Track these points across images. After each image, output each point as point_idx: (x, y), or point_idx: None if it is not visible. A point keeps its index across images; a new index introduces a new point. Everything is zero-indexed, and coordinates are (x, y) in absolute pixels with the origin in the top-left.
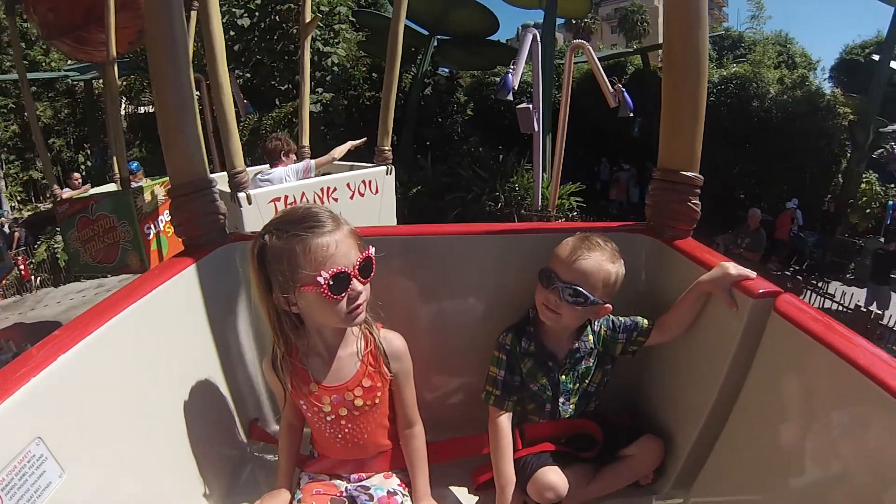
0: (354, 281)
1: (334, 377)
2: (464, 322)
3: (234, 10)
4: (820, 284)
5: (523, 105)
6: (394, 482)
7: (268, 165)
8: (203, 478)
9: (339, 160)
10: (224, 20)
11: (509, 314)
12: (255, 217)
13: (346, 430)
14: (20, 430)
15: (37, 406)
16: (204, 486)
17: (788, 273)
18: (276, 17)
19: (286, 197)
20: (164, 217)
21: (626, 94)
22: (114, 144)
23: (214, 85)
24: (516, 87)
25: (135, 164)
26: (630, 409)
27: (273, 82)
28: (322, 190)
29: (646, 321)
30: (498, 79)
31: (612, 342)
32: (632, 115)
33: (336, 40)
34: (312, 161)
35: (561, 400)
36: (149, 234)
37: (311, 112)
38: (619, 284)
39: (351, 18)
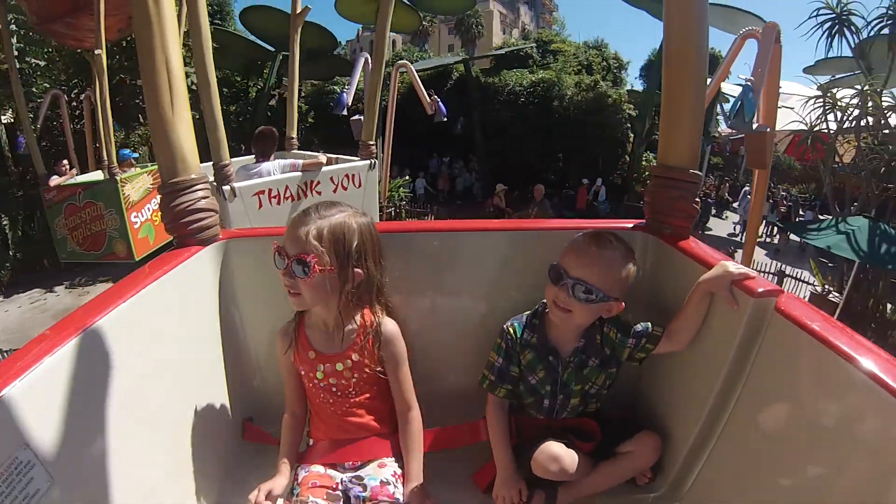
0: (286, 266)
1: (328, 348)
2: (468, 314)
3: None
4: None
5: (356, 117)
6: (387, 472)
7: (253, 158)
8: (196, 479)
9: (324, 155)
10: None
11: (512, 309)
12: (240, 209)
13: (338, 398)
14: (6, 436)
15: (23, 411)
16: (197, 487)
17: None
18: None
19: (270, 190)
20: (152, 205)
21: (440, 102)
22: (101, 133)
23: (202, 79)
24: (350, 104)
25: (126, 152)
26: (629, 406)
27: (137, 101)
28: (306, 183)
29: (656, 328)
30: (336, 87)
31: (620, 346)
32: (445, 119)
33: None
34: (301, 161)
35: (560, 398)
36: (136, 222)
37: None
38: (630, 281)
39: (213, 43)
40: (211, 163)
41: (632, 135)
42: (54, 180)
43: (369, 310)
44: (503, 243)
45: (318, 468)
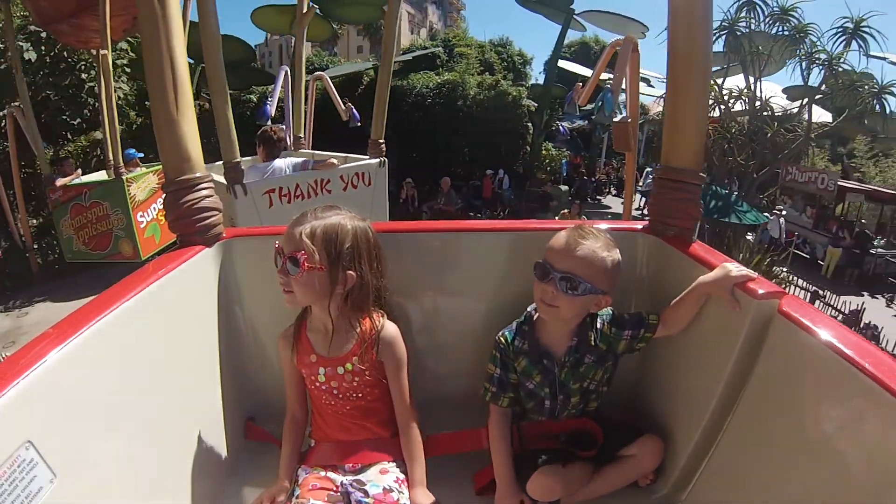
0: (282, 264)
1: (329, 351)
2: (470, 316)
3: (19, 43)
4: None
5: (277, 126)
6: (390, 478)
7: (258, 158)
8: (198, 478)
9: (332, 153)
10: (9, 53)
11: (514, 311)
12: (250, 208)
13: (339, 401)
14: (9, 434)
15: (26, 409)
16: (200, 486)
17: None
18: (64, 53)
19: (280, 189)
20: (158, 205)
21: (353, 110)
22: (107, 132)
23: (212, 78)
24: (273, 115)
25: (132, 151)
26: (631, 408)
27: (64, 117)
28: (316, 182)
29: (651, 316)
30: (252, 97)
31: (615, 339)
32: (359, 124)
33: (119, 75)
34: (312, 161)
35: (560, 398)
36: (142, 221)
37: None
38: (617, 273)
39: (132, 53)
40: (218, 162)
41: (531, 126)
42: (60, 180)
43: (370, 315)
44: (505, 243)
45: (319, 470)
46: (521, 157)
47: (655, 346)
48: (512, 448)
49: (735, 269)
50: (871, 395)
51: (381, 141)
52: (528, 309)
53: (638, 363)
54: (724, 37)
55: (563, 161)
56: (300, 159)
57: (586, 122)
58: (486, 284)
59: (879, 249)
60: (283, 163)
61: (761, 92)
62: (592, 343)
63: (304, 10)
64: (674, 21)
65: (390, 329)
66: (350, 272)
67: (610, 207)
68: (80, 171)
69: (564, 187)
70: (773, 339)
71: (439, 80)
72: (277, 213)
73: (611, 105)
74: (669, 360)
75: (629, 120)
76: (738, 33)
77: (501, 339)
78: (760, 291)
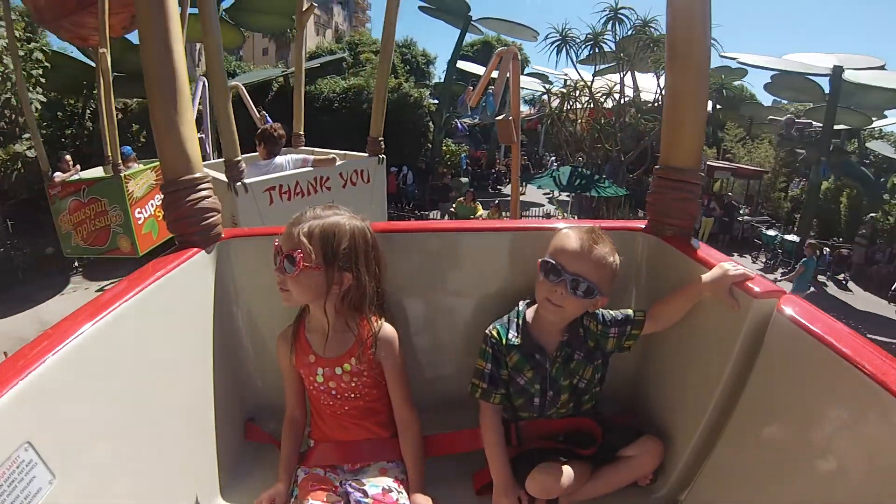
0: (279, 263)
1: (327, 352)
2: (469, 318)
3: None
4: (425, 214)
5: (199, 135)
6: (389, 478)
7: (258, 155)
8: (198, 479)
9: (333, 151)
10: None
11: (507, 310)
12: (251, 205)
13: (337, 401)
14: (8, 435)
15: (25, 410)
16: (200, 487)
17: (405, 213)
18: None
19: (280, 186)
20: (155, 201)
21: (268, 117)
22: (105, 130)
23: (213, 79)
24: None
25: (128, 149)
26: (630, 408)
27: None
28: (315, 179)
29: (637, 313)
30: None
31: (602, 337)
32: None
33: (33, 83)
34: (312, 157)
35: (550, 394)
36: (140, 218)
37: (25, 157)
38: (616, 276)
39: (46, 63)
40: (219, 160)
41: (432, 125)
42: (59, 176)
43: (368, 316)
44: (504, 243)
45: (318, 471)
46: (424, 154)
47: (654, 346)
48: (510, 447)
49: (732, 268)
50: (871, 394)
51: (381, 138)
52: (520, 305)
53: (637, 363)
54: (589, 47)
55: (463, 155)
56: (300, 156)
57: None
58: (485, 284)
59: (746, 217)
60: (283, 160)
61: (635, 87)
62: (582, 339)
63: (304, 8)
64: (673, 22)
65: (388, 330)
66: (346, 273)
67: (508, 196)
68: (78, 167)
69: (464, 179)
70: (772, 338)
71: (346, 85)
72: (278, 210)
73: (493, 106)
74: (668, 360)
75: (510, 117)
76: (603, 44)
77: (493, 332)
78: (759, 290)
